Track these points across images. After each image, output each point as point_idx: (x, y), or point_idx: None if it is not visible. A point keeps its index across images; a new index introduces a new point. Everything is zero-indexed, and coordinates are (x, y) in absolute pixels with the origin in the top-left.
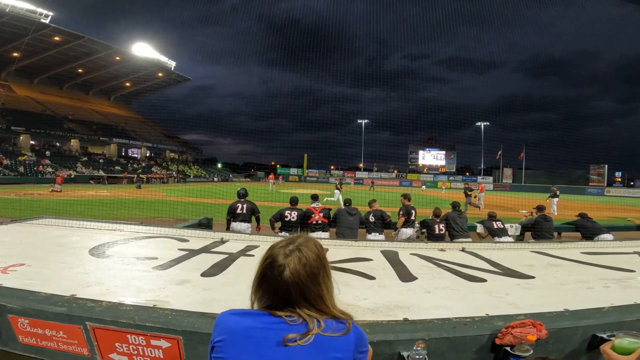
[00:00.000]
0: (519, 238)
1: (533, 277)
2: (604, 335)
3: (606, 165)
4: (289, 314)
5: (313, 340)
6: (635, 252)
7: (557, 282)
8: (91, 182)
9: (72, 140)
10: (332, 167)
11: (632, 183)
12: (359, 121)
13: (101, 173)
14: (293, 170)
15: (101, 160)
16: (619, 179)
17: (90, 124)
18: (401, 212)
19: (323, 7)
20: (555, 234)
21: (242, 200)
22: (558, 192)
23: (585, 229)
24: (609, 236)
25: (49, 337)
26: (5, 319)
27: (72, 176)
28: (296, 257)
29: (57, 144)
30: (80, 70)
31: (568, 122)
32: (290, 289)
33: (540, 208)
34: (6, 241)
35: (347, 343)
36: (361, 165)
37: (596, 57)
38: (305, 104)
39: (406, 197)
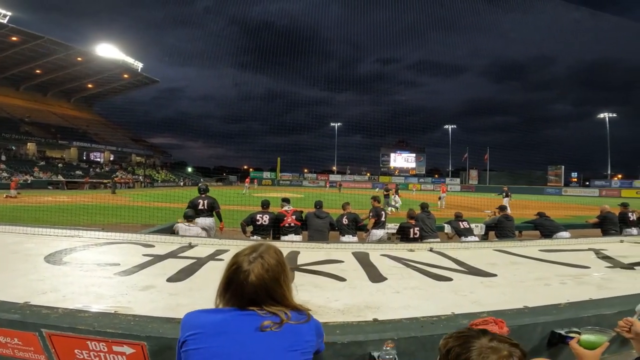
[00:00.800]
0: (484, 237)
1: (495, 275)
2: (562, 332)
3: (563, 166)
4: (258, 309)
5: (285, 327)
6: (590, 249)
7: (517, 279)
8: (49, 187)
9: (28, 143)
10: (306, 170)
11: (587, 183)
12: (332, 124)
13: (60, 178)
14: (266, 174)
15: (60, 165)
16: (575, 179)
17: (49, 127)
18: (371, 214)
19: (297, 10)
20: (517, 232)
21: (203, 195)
22: (510, 193)
23: (544, 227)
24: (566, 234)
25: (4, 344)
26: None
27: (29, 181)
28: (259, 264)
29: (13, 148)
30: (38, 71)
31: (528, 125)
32: (257, 290)
33: (502, 208)
34: None
35: (310, 329)
36: (334, 168)
37: (553, 62)
38: (279, 107)
39: (376, 199)
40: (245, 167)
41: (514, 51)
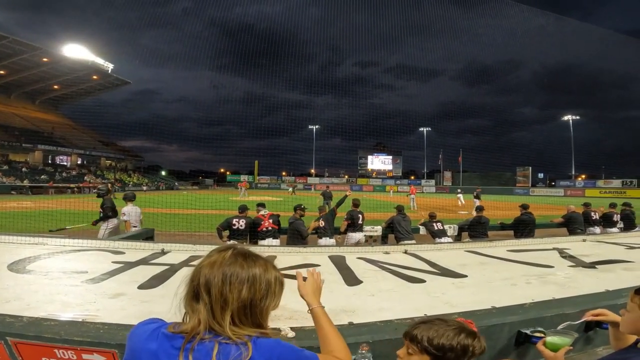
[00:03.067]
0: (457, 238)
1: (466, 276)
2: (528, 331)
3: (530, 167)
4: (209, 336)
5: None
6: (554, 248)
7: (486, 280)
8: (13, 192)
9: None
10: (284, 174)
11: (553, 183)
12: (310, 127)
13: (25, 182)
14: (243, 177)
15: (24, 169)
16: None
17: (12, 129)
18: (346, 217)
19: (276, 13)
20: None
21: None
22: (480, 194)
23: (575, 223)
24: (597, 229)
25: None
26: None
27: None
28: (220, 272)
29: None
30: (2, 72)
31: (498, 127)
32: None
33: (478, 209)
34: None
35: None
36: (313, 171)
37: (520, 66)
38: (257, 110)
39: (353, 202)
40: (222, 170)
41: (485, 55)
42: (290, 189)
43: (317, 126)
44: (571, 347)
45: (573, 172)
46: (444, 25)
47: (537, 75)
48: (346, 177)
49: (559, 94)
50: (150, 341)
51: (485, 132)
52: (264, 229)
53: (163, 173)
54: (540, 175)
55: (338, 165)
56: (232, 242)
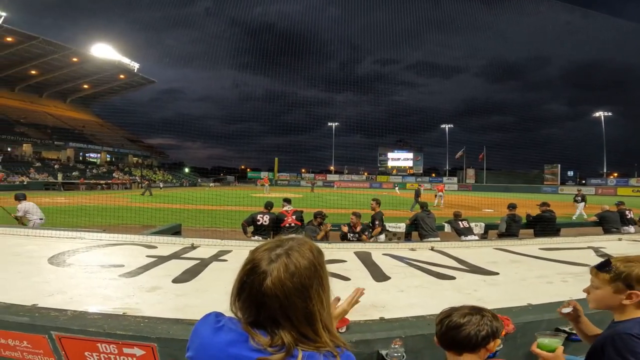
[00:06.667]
0: (484, 236)
1: (497, 274)
2: (566, 329)
3: (559, 165)
4: (276, 341)
5: None
6: (589, 247)
7: (519, 277)
8: (46, 188)
9: (24, 144)
10: (303, 170)
11: (583, 182)
12: (330, 124)
13: (59, 179)
14: (264, 174)
15: (56, 166)
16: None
17: (44, 128)
18: (377, 223)
19: (297, 12)
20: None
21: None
22: (585, 197)
23: (609, 222)
24: (631, 229)
25: (13, 347)
26: None
27: (25, 183)
28: (282, 264)
29: (9, 149)
30: (33, 72)
31: (524, 124)
32: (269, 303)
33: (511, 207)
34: None
35: None
36: (332, 167)
37: (548, 62)
38: (277, 107)
39: (378, 202)
40: (243, 167)
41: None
42: (310, 186)
43: (336, 123)
44: (562, 347)
45: (605, 170)
46: (467, 21)
47: (565, 71)
48: (365, 174)
49: (589, 90)
50: (212, 335)
51: (510, 129)
52: (287, 225)
53: (186, 170)
54: (570, 173)
55: (357, 162)
56: (256, 237)
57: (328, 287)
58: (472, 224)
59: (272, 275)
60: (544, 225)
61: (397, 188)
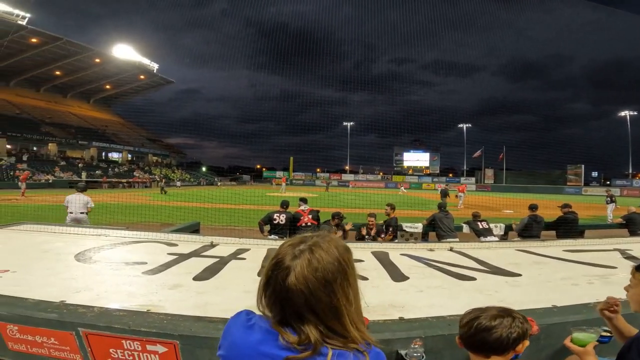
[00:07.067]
0: (503, 237)
1: (520, 275)
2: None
3: (583, 165)
4: (304, 339)
5: None
6: (615, 249)
7: (543, 279)
8: (70, 186)
9: (49, 144)
10: (318, 170)
11: (608, 182)
12: (345, 124)
13: (83, 177)
14: (279, 173)
15: (80, 165)
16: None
17: (69, 128)
18: (391, 230)
19: (311, 11)
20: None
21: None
22: (614, 198)
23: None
24: None
25: (40, 344)
26: None
27: (50, 181)
28: (306, 260)
29: (35, 148)
30: (58, 73)
31: (546, 123)
32: (294, 298)
33: (533, 207)
34: None
35: None
36: (347, 167)
37: (570, 61)
38: (292, 107)
39: (392, 207)
40: (259, 166)
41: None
42: (325, 186)
43: (351, 123)
44: (597, 343)
45: (630, 171)
46: (486, 19)
47: (588, 69)
48: (381, 174)
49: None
50: (243, 332)
51: (532, 128)
52: (304, 224)
53: (203, 169)
54: (594, 174)
55: (373, 161)
56: (273, 236)
57: (355, 283)
58: (492, 225)
59: (295, 270)
60: (568, 227)
61: (402, 188)
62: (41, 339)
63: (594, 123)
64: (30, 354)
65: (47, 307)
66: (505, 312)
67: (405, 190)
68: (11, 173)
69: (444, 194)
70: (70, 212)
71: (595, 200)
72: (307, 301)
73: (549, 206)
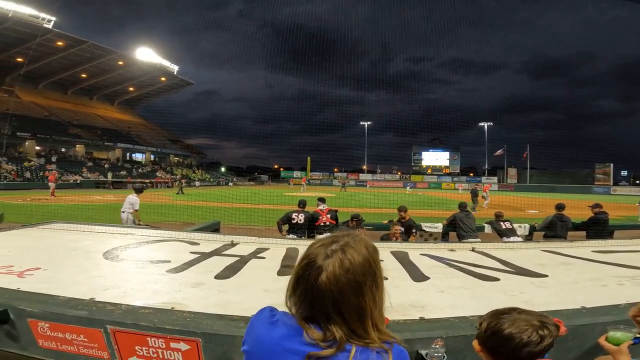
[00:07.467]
0: (528, 238)
1: (546, 276)
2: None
3: (611, 164)
4: (328, 337)
5: None
6: None
7: (571, 280)
8: (97, 187)
9: (77, 145)
10: (336, 170)
11: (638, 182)
12: (362, 123)
13: (109, 178)
14: (296, 173)
15: (106, 165)
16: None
17: (95, 129)
18: (414, 231)
19: (325, 12)
20: None
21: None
22: None
23: None
24: None
25: (69, 341)
26: (25, 323)
27: (79, 181)
28: (338, 259)
29: (63, 150)
30: (84, 75)
31: (571, 121)
32: (323, 297)
33: (559, 207)
34: (19, 246)
35: None
36: (365, 167)
37: (595, 58)
38: (309, 107)
39: (405, 210)
40: (276, 166)
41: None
42: (341, 185)
43: (369, 122)
44: (632, 342)
45: None
46: (506, 17)
47: (615, 66)
48: (399, 173)
49: None
50: (267, 329)
51: (556, 126)
52: (322, 223)
53: (223, 169)
54: (624, 173)
55: (391, 161)
56: (291, 236)
57: (382, 284)
58: (516, 225)
59: (327, 270)
60: (599, 228)
61: (408, 188)
62: (71, 336)
63: (623, 121)
64: (59, 351)
65: (77, 305)
66: (541, 325)
67: (410, 190)
68: (41, 174)
69: (475, 194)
70: (123, 212)
71: (624, 200)
72: (335, 301)
73: (578, 206)
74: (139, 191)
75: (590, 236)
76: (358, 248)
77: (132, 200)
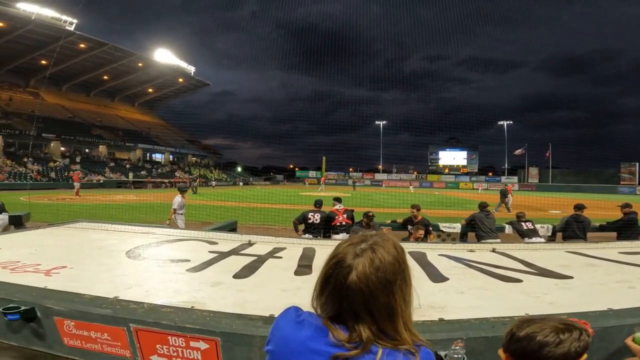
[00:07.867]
0: (551, 239)
1: (571, 277)
2: None
3: (637, 163)
4: (354, 338)
5: None
6: None
7: (597, 281)
8: (119, 186)
9: (100, 146)
10: (351, 170)
11: None
12: (378, 122)
13: (130, 178)
14: (312, 173)
15: (127, 166)
16: None
17: (117, 130)
18: (431, 229)
19: (339, 11)
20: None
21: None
22: None
23: None
24: None
25: (94, 339)
26: (51, 321)
27: (101, 181)
28: (368, 258)
29: (87, 150)
30: (105, 77)
31: (595, 119)
32: (354, 297)
33: (578, 207)
34: (46, 245)
35: None
36: (380, 167)
37: (618, 55)
38: (325, 107)
39: (418, 208)
40: (292, 166)
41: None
42: (352, 185)
43: (384, 121)
44: None
45: None
46: (525, 13)
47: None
48: (415, 173)
49: None
50: (293, 329)
51: (579, 124)
52: (338, 223)
53: (239, 169)
54: None
55: (407, 160)
56: (307, 235)
57: (411, 284)
58: (538, 226)
59: (357, 269)
60: (631, 229)
61: (411, 187)
62: (95, 335)
63: None
64: (84, 349)
65: (102, 303)
66: (568, 326)
67: (413, 189)
68: (65, 174)
69: (504, 194)
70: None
71: None
72: (365, 301)
73: (604, 206)
74: (182, 191)
75: (621, 237)
76: (387, 247)
77: (175, 200)
